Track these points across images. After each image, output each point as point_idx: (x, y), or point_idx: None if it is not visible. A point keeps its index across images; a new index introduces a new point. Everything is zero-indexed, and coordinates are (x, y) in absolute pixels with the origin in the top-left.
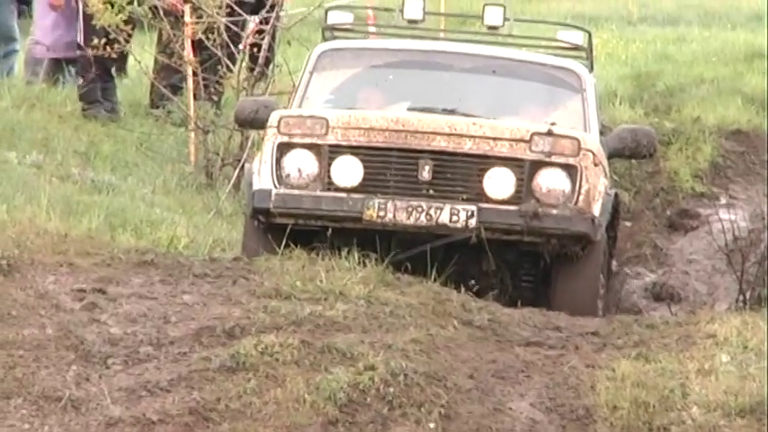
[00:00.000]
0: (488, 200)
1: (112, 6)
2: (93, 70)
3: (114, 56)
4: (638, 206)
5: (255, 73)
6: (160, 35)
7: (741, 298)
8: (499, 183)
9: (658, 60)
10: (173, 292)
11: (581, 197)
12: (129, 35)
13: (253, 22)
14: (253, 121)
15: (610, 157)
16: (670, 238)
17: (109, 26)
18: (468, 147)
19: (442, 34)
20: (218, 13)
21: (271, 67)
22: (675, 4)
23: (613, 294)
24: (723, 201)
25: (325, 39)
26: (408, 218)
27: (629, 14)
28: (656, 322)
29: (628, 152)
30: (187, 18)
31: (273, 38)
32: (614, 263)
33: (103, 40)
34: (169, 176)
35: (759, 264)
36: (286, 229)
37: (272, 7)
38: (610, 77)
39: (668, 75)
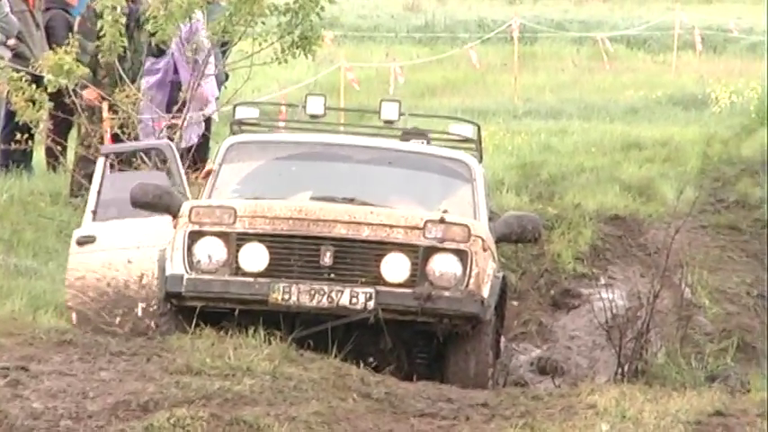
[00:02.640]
0: (385, 283)
1: (34, 104)
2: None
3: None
4: (524, 286)
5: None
6: (79, 128)
7: (620, 371)
8: (395, 267)
9: (542, 151)
10: (91, 369)
11: (471, 280)
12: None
13: (165, 118)
14: (154, 206)
15: (498, 241)
16: (554, 315)
17: (30, 121)
18: (366, 234)
19: (342, 128)
20: (132, 110)
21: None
22: (557, 99)
23: (502, 368)
24: (603, 281)
25: (233, 132)
26: (311, 300)
27: (514, 108)
28: (542, 394)
29: (515, 237)
30: (105, 114)
31: (208, 129)
32: (503, 339)
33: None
34: None
35: (636, 339)
36: (196, 310)
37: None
38: (497, 167)
39: (551, 164)
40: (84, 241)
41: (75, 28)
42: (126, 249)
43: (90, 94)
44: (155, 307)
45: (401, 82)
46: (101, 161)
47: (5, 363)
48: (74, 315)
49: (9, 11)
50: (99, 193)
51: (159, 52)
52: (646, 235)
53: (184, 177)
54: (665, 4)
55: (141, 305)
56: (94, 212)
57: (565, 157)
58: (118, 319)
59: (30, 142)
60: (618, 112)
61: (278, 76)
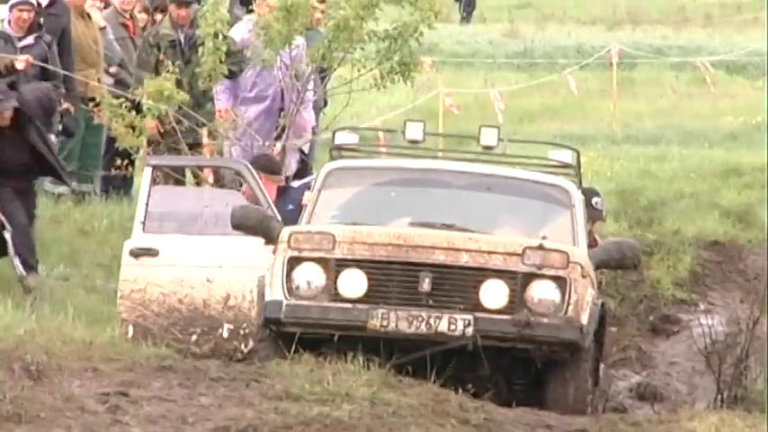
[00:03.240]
0: (484, 309)
1: (134, 130)
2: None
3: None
4: (623, 312)
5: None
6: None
7: (719, 397)
8: (494, 293)
9: (641, 177)
10: (190, 395)
11: (570, 307)
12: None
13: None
14: (254, 229)
15: (597, 268)
16: (653, 341)
17: (130, 148)
18: (465, 260)
19: (440, 154)
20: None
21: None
22: (656, 124)
23: (601, 394)
24: (702, 307)
25: (332, 158)
26: (409, 327)
27: (613, 134)
28: (641, 420)
29: (614, 263)
30: (204, 140)
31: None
32: (602, 365)
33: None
34: None
35: (735, 366)
36: (296, 335)
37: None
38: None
39: (650, 190)
40: (142, 253)
41: (135, 60)
42: (204, 267)
43: (150, 124)
44: (245, 330)
45: (501, 107)
46: (147, 171)
47: (105, 388)
48: (130, 327)
49: (113, 38)
50: (147, 204)
51: (230, 74)
52: (745, 261)
53: (270, 199)
54: (763, 30)
55: (228, 326)
56: (143, 223)
57: (664, 183)
58: (194, 338)
59: (130, 168)
60: (717, 138)
61: (377, 101)
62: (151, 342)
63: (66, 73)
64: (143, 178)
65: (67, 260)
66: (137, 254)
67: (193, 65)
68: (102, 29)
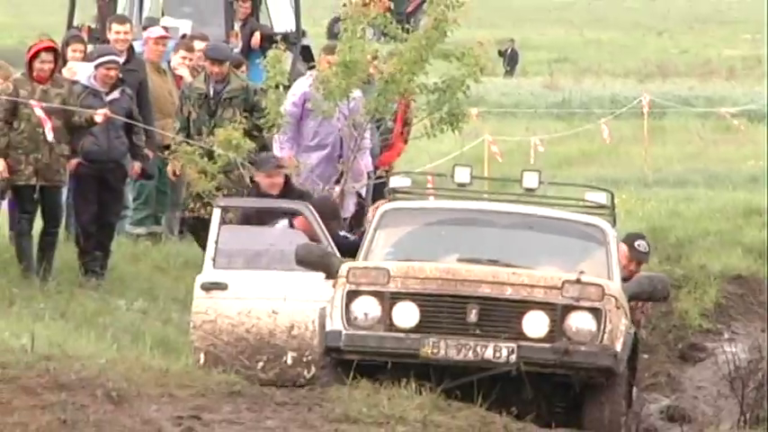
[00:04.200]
0: (526, 338)
1: (206, 175)
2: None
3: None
4: (654, 341)
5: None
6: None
7: (742, 418)
8: (536, 323)
9: (670, 217)
10: (258, 418)
11: (605, 336)
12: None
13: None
14: (315, 264)
15: (630, 300)
16: (681, 368)
17: (203, 192)
18: (509, 293)
19: (486, 195)
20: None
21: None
22: (684, 168)
23: (633, 416)
24: (726, 336)
25: (388, 200)
26: (458, 354)
27: (644, 177)
28: None
29: (645, 296)
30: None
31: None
32: (634, 390)
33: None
34: None
35: (757, 389)
36: (354, 362)
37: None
38: (628, 231)
39: (678, 229)
40: (212, 287)
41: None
42: (269, 300)
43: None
44: (308, 357)
45: (541, 151)
46: (216, 212)
47: (180, 412)
48: (201, 356)
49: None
50: (216, 242)
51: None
52: (766, 293)
53: (329, 237)
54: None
55: (291, 354)
56: (214, 260)
57: (691, 223)
58: (261, 365)
59: (203, 211)
60: (740, 181)
61: (428, 149)
62: (221, 369)
63: (146, 126)
64: (213, 218)
65: (146, 295)
66: (207, 288)
67: (218, 118)
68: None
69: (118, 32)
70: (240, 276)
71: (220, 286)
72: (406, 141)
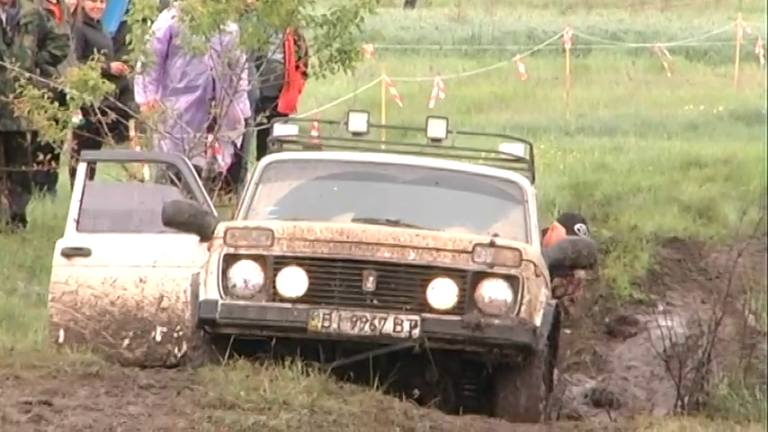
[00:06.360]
0: (431, 310)
1: (57, 123)
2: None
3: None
4: (577, 313)
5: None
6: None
7: (679, 403)
8: (442, 293)
9: (596, 170)
10: (118, 404)
11: (523, 307)
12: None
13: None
14: (187, 225)
15: (551, 267)
16: (609, 344)
17: (53, 141)
18: (411, 257)
19: (385, 146)
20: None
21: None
22: (612, 114)
23: (554, 401)
24: (661, 308)
25: (270, 150)
26: (353, 328)
27: (566, 125)
28: (596, 428)
29: (569, 262)
30: (132, 132)
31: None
32: (555, 370)
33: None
34: None
35: (696, 369)
36: (230, 339)
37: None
38: (548, 187)
39: (606, 184)
40: (74, 253)
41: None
42: (137, 267)
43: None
44: (179, 333)
45: (441, 97)
46: (82, 167)
47: (28, 397)
48: (61, 332)
49: None
50: (81, 201)
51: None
52: (707, 258)
53: (206, 194)
54: (726, 14)
55: (161, 329)
56: (77, 222)
57: (620, 177)
58: (126, 342)
59: (53, 164)
60: (676, 129)
61: (315, 91)
62: (76, 348)
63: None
64: (77, 174)
65: None
66: (69, 254)
67: (16, 47)
68: None
69: None
70: (104, 240)
71: (83, 252)
72: (305, 75)
